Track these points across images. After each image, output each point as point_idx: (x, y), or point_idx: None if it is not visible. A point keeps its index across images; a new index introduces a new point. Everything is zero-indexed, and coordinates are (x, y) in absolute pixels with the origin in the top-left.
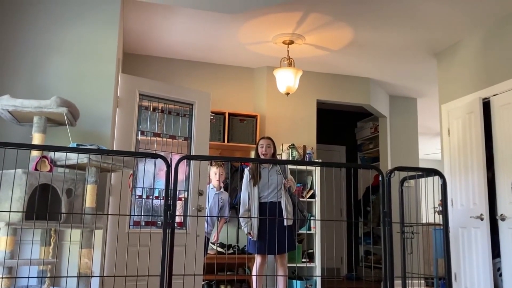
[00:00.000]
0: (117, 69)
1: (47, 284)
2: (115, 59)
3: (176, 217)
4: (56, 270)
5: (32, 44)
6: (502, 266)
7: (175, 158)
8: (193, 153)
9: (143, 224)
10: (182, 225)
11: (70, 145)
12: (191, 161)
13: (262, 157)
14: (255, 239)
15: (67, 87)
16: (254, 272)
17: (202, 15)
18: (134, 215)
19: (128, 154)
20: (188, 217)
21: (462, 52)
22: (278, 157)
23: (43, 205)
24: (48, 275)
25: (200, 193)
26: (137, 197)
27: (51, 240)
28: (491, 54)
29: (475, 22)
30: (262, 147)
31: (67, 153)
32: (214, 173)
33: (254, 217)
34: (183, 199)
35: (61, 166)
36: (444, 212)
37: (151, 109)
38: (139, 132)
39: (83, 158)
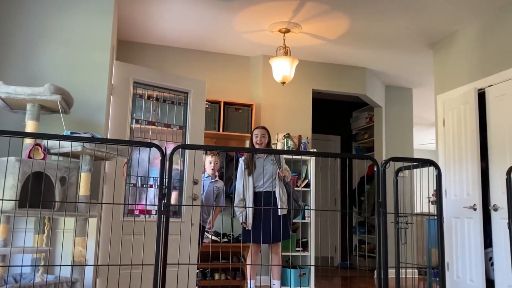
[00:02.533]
0: (111, 57)
1: (41, 272)
2: (109, 47)
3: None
4: (50, 258)
5: (25, 31)
6: (494, 256)
7: (170, 146)
8: (188, 142)
9: (137, 212)
10: (176, 213)
11: (64, 133)
12: (186, 150)
13: (256, 146)
14: (249, 228)
15: (61, 75)
16: (248, 260)
17: (197, 3)
18: (128, 204)
19: (122, 143)
20: (183, 206)
21: (458, 42)
22: (273, 147)
23: (36, 193)
24: (42, 263)
25: (195, 182)
26: (131, 185)
27: (45, 228)
28: (487, 45)
29: (472, 13)
30: (256, 136)
31: (61, 141)
32: (209, 162)
33: (249, 207)
34: (177, 188)
35: (55, 154)
36: (438, 202)
37: (146, 97)
38: (134, 120)
39: (77, 146)
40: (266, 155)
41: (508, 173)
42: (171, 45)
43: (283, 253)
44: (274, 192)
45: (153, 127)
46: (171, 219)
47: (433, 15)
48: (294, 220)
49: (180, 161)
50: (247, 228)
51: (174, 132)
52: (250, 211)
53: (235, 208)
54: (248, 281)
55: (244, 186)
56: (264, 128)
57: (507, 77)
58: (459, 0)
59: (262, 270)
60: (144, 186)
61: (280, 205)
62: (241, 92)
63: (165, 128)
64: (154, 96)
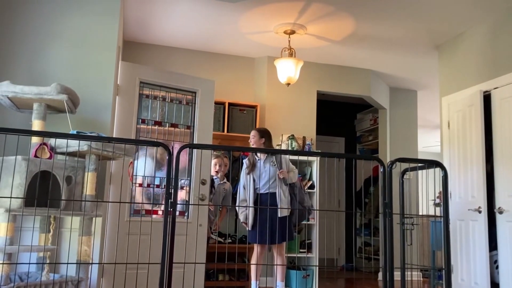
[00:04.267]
0: (117, 57)
1: (47, 270)
2: (115, 47)
3: (178, 206)
4: (55, 257)
5: (32, 31)
6: (499, 258)
7: (177, 147)
8: (195, 142)
9: (144, 212)
10: (184, 214)
11: (70, 133)
12: (193, 150)
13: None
14: (249, 229)
15: (67, 74)
16: (252, 261)
17: (203, 4)
18: (134, 203)
19: (129, 142)
20: (190, 206)
21: (464, 44)
22: (278, 148)
23: (43, 192)
24: (48, 262)
25: (203, 182)
26: (137, 185)
27: (51, 227)
28: (493, 47)
29: (478, 15)
30: (249, 139)
31: (67, 141)
32: (214, 164)
33: (249, 206)
34: (185, 189)
35: (61, 153)
36: (444, 204)
37: (152, 97)
38: (140, 120)
39: (83, 146)
40: (265, 156)
41: None
42: (176, 46)
43: (288, 255)
44: (275, 193)
45: (159, 127)
46: (178, 220)
47: (438, 17)
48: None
49: (187, 160)
50: (247, 228)
51: (181, 133)
52: (250, 211)
53: (236, 208)
54: (252, 282)
55: (245, 187)
56: (255, 129)
57: None
58: (465, 2)
59: (266, 271)
60: (151, 186)
61: (280, 207)
62: (246, 93)
63: (172, 129)
64: (161, 96)
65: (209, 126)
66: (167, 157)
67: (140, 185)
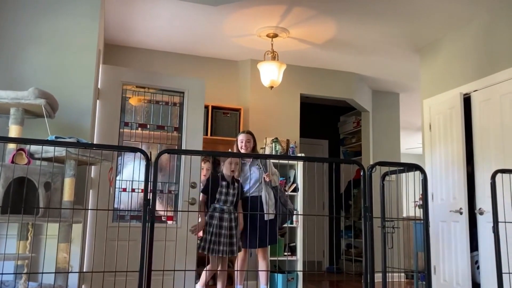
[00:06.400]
0: (97, 60)
1: (24, 279)
2: (95, 50)
3: (168, 212)
4: (33, 265)
5: (10, 34)
6: (479, 259)
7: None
8: (184, 144)
9: (128, 218)
10: (172, 219)
11: (49, 138)
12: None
13: (242, 151)
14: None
15: (46, 79)
16: (236, 266)
17: (186, 7)
18: (113, 210)
19: (106, 148)
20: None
21: (445, 48)
22: (261, 151)
23: (20, 199)
24: (25, 270)
25: (193, 186)
26: (121, 190)
27: (28, 234)
28: (472, 51)
29: (458, 19)
30: (242, 142)
31: (44, 146)
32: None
33: (242, 212)
34: (173, 192)
35: (39, 159)
36: (424, 206)
37: (137, 100)
38: (123, 124)
39: (61, 151)
40: (251, 160)
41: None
42: (159, 49)
43: (271, 258)
44: (260, 196)
45: (145, 131)
46: (167, 225)
47: (420, 21)
48: (284, 225)
49: (175, 164)
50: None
51: (168, 136)
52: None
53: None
54: (236, 286)
55: None
56: (249, 133)
57: (492, 82)
58: (446, 7)
59: (249, 275)
60: (136, 190)
61: (266, 210)
62: (229, 96)
63: (159, 132)
64: (146, 99)
65: (199, 128)
66: (146, 163)
67: (124, 189)
